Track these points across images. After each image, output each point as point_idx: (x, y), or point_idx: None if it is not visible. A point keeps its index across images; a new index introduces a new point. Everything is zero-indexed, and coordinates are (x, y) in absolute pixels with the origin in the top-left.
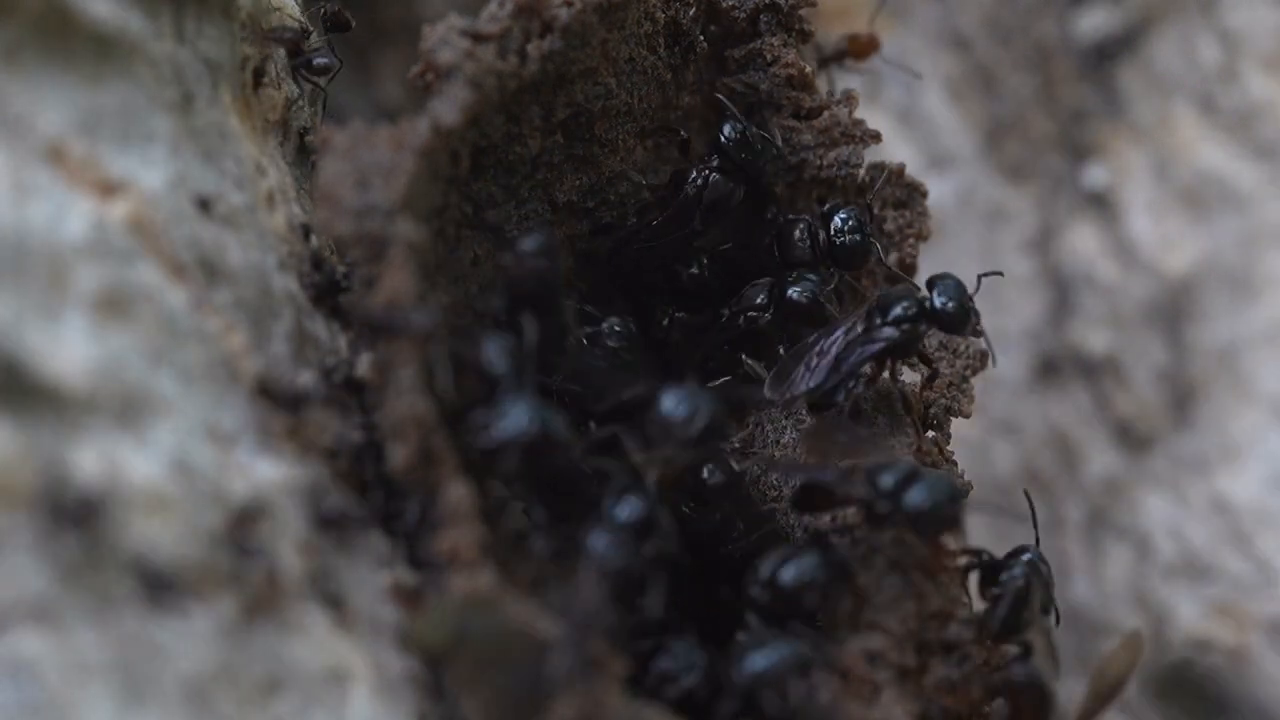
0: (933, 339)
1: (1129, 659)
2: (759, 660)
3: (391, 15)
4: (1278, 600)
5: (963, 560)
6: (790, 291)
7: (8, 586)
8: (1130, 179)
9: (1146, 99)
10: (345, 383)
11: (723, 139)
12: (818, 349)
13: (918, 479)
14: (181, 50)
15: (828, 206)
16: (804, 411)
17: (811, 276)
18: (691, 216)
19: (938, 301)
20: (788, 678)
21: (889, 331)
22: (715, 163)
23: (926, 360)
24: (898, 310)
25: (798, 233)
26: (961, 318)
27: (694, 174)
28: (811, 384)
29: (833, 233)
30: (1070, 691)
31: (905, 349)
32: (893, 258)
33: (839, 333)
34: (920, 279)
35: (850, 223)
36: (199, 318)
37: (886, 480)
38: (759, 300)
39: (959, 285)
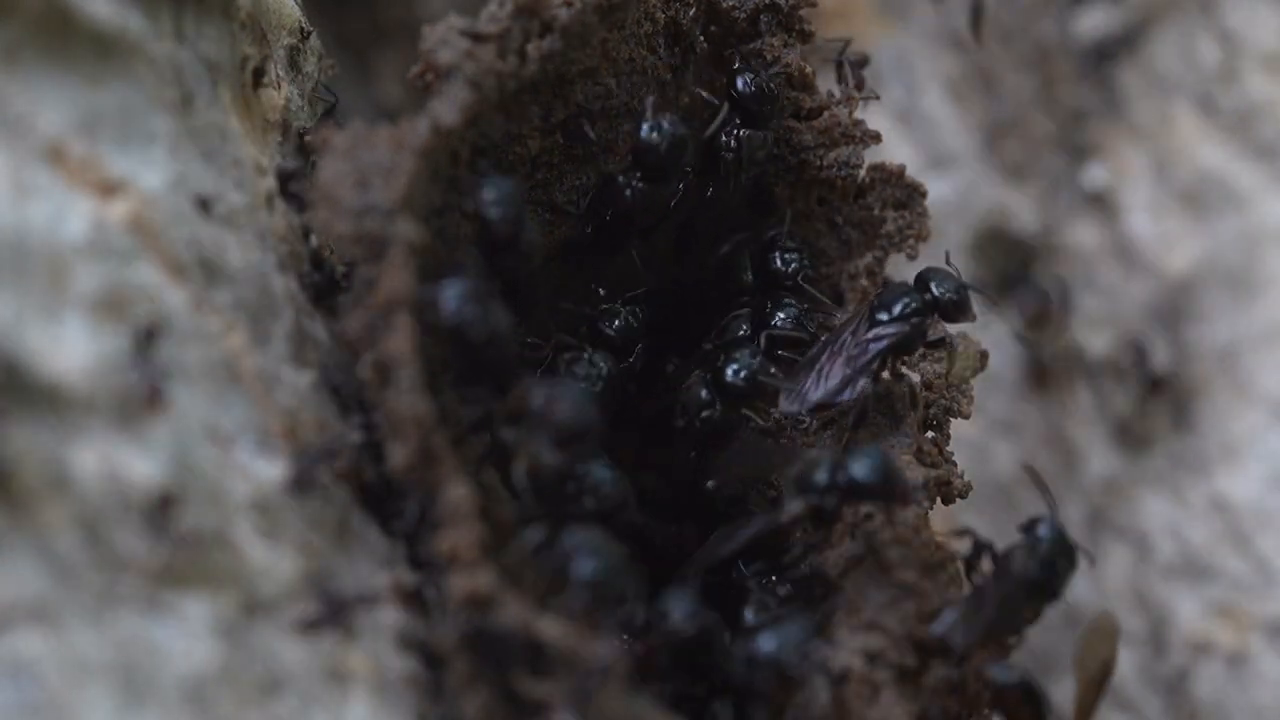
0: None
1: (1109, 642)
2: (771, 640)
3: (391, 15)
4: (1278, 600)
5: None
6: (775, 324)
7: (8, 586)
8: (1130, 179)
9: (1146, 99)
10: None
11: (738, 90)
12: (827, 354)
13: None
14: (181, 50)
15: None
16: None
17: (791, 302)
18: (738, 176)
19: (937, 292)
20: (802, 660)
21: (898, 327)
22: (739, 120)
23: (936, 346)
24: (900, 305)
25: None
26: (963, 305)
27: (723, 137)
28: (827, 389)
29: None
30: (1066, 690)
31: (911, 344)
32: (893, 258)
33: (845, 335)
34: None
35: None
36: (199, 318)
37: (820, 477)
38: (741, 333)
39: (952, 274)
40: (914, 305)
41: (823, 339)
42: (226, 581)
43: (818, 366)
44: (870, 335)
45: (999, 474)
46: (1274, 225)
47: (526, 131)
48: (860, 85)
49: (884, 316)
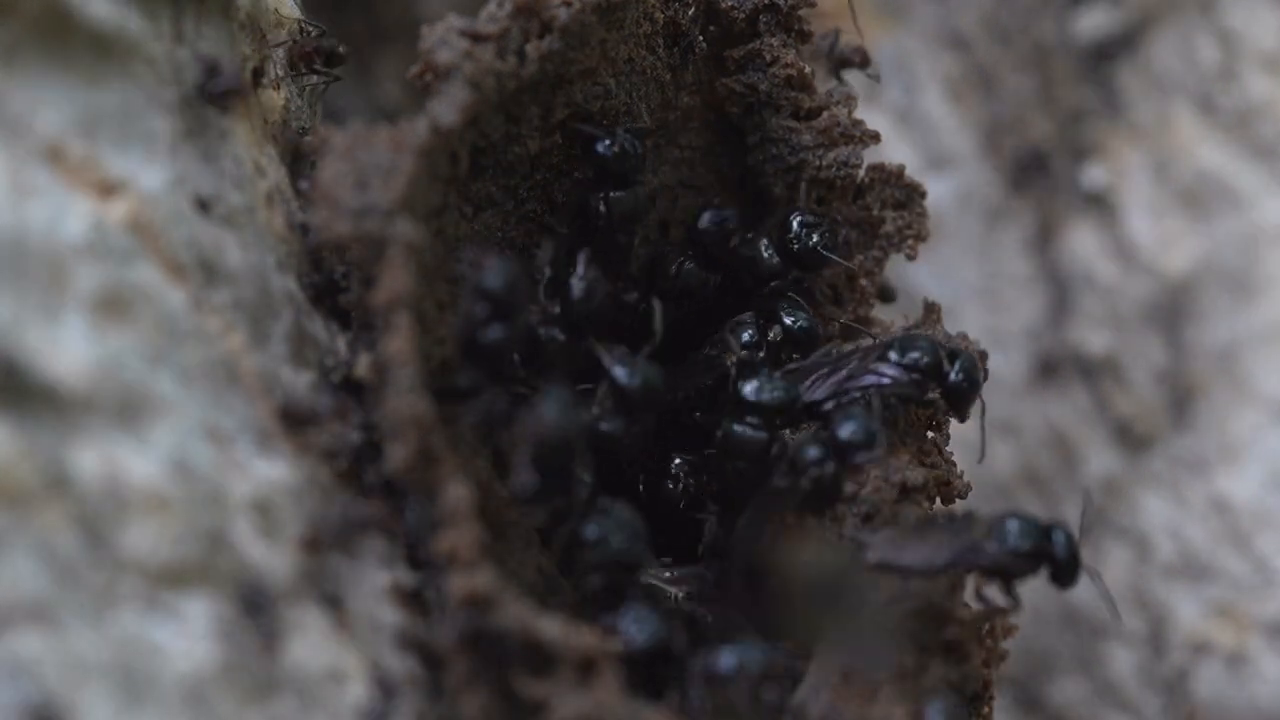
0: None
1: None
2: (729, 658)
3: (391, 15)
4: (1278, 600)
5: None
6: (788, 322)
7: (8, 586)
8: (1130, 179)
9: (1146, 99)
10: (344, 383)
11: (597, 154)
12: (828, 367)
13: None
14: (181, 50)
15: (781, 215)
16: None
17: (799, 300)
18: (615, 236)
19: (952, 372)
20: (759, 681)
21: (897, 374)
22: (690, 251)
23: (926, 405)
24: (913, 356)
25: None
26: (967, 397)
27: (672, 266)
28: (814, 397)
29: (791, 237)
30: (1066, 690)
31: (903, 398)
32: (892, 259)
33: (854, 357)
34: (920, 280)
35: (808, 225)
36: (198, 318)
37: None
38: (746, 339)
39: (977, 363)
40: (925, 362)
41: (832, 350)
42: (226, 581)
43: (819, 370)
44: (874, 369)
45: (999, 474)
46: (1274, 225)
47: (526, 132)
48: (843, 61)
49: (896, 357)
